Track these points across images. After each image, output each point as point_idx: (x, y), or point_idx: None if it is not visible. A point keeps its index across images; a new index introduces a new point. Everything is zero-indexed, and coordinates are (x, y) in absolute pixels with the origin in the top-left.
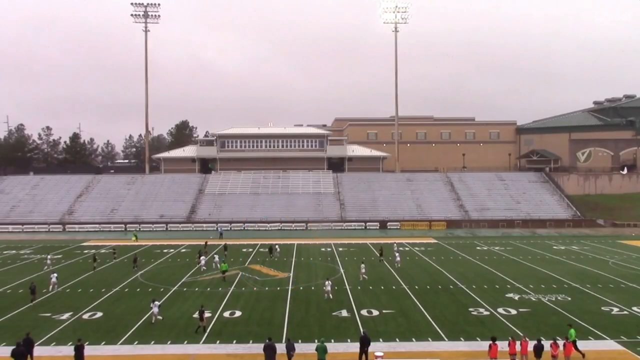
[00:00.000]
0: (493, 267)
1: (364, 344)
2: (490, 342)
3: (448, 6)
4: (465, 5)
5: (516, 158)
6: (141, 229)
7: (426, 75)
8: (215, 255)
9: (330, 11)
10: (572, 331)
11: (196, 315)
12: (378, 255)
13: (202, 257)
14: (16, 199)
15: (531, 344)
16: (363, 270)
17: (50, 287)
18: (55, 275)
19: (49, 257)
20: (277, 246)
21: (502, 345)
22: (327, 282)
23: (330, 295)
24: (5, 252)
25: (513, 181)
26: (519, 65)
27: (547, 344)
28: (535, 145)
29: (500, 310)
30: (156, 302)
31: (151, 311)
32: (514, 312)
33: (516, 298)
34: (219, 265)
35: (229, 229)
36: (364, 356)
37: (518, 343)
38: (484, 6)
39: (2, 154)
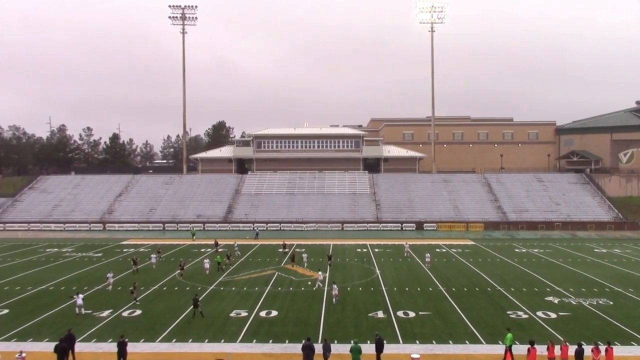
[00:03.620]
0: (532, 269)
1: (379, 347)
2: (529, 345)
3: (484, 7)
4: (501, 5)
5: (555, 159)
6: (179, 229)
7: (463, 76)
8: (236, 245)
9: (362, 12)
10: (510, 335)
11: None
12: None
13: (205, 260)
14: (58, 198)
15: (572, 349)
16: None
17: (110, 287)
18: (111, 274)
19: (153, 256)
20: (304, 256)
21: (541, 350)
22: (334, 286)
23: (334, 299)
24: (47, 249)
25: (552, 182)
26: (558, 65)
27: (588, 349)
28: (576, 146)
29: (540, 313)
30: (80, 295)
31: (75, 302)
32: (553, 315)
33: (556, 301)
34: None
35: (265, 229)
36: None
37: (558, 347)
38: (520, 6)
39: (45, 154)
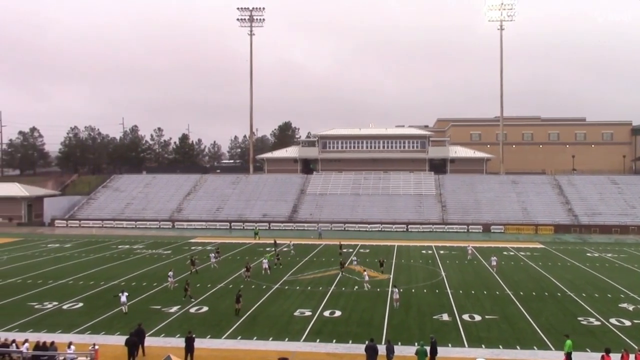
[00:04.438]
0: (605, 275)
1: (433, 350)
2: (604, 353)
3: (552, 4)
4: (571, 3)
5: (631, 160)
6: (245, 227)
7: (532, 75)
8: (291, 244)
9: (428, 12)
10: (569, 342)
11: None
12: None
13: (264, 260)
14: (130, 196)
15: None
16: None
17: (170, 286)
18: (172, 273)
19: (212, 255)
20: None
21: (615, 358)
22: (394, 290)
23: (395, 304)
24: (120, 246)
25: (628, 185)
26: (634, 65)
27: None
28: None
29: (613, 320)
30: (125, 292)
31: (121, 300)
32: (628, 323)
33: (630, 308)
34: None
35: (329, 229)
36: None
37: (633, 356)
38: (590, 5)
39: (118, 154)
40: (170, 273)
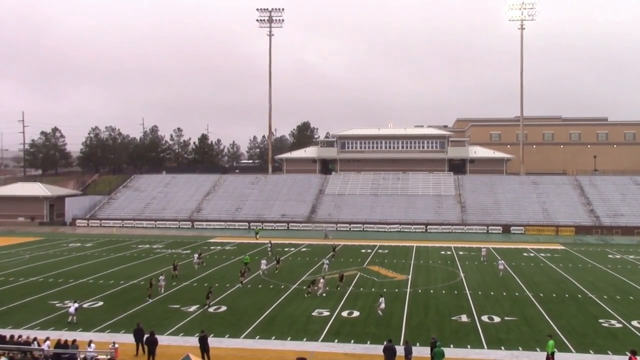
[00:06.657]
0: (627, 277)
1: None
2: (630, 354)
3: (574, 4)
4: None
5: None
6: (264, 228)
7: (554, 75)
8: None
9: (447, 12)
10: (551, 342)
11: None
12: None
13: (262, 261)
14: (150, 196)
15: None
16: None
17: (160, 289)
18: (162, 277)
19: (196, 255)
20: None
21: None
22: (380, 299)
23: (381, 312)
24: (140, 245)
25: None
26: None
27: None
28: None
29: (635, 323)
30: (75, 304)
31: (69, 311)
32: None
33: None
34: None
35: (348, 229)
36: None
37: None
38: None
39: (138, 154)
40: (162, 277)
